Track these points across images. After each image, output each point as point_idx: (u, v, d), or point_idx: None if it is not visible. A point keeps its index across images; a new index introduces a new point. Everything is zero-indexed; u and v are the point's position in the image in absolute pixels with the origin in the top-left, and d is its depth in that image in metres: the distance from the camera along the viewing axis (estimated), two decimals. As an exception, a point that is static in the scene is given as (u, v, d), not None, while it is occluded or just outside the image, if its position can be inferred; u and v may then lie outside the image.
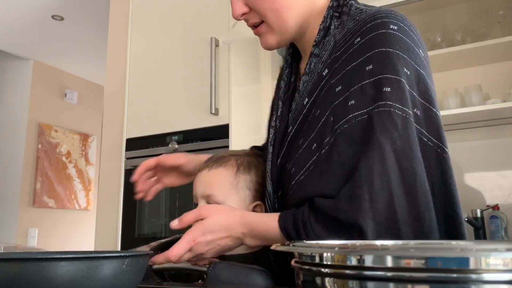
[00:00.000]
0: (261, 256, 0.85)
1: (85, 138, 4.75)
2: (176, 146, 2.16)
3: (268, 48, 0.83)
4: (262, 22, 0.80)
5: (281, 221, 0.70)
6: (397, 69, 0.68)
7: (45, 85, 4.41)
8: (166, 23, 2.38)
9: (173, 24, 2.35)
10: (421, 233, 0.62)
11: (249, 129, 2.24)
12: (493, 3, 2.18)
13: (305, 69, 0.79)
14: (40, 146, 4.26)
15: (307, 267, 0.36)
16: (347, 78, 0.71)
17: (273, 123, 0.89)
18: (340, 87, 0.72)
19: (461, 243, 0.47)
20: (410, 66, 0.69)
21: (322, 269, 0.35)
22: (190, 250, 0.73)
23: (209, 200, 0.89)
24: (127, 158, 2.32)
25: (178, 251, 0.71)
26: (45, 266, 0.44)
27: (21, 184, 4.08)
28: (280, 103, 0.88)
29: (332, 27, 0.79)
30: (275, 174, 0.81)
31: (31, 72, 4.29)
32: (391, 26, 0.70)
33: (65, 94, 4.59)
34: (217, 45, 2.17)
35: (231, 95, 2.11)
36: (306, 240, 0.64)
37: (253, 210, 0.93)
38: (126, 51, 2.48)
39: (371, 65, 0.69)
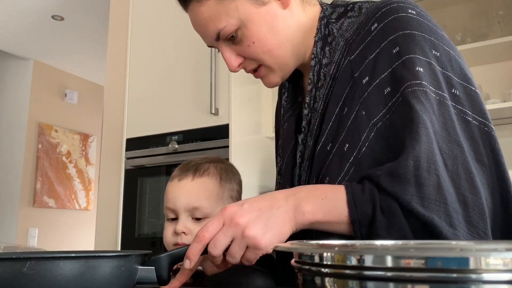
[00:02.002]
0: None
1: (85, 138, 4.75)
2: (176, 146, 2.16)
3: (274, 86, 0.80)
4: (260, 65, 0.77)
5: (346, 185, 0.61)
6: (425, 51, 0.65)
7: (45, 85, 4.41)
8: (166, 23, 2.38)
9: (173, 24, 2.35)
10: (468, 219, 0.57)
11: (249, 129, 2.24)
12: (493, 3, 2.18)
13: (318, 82, 0.76)
14: (40, 146, 4.27)
15: (307, 267, 0.37)
16: (372, 67, 0.68)
17: (279, 152, 0.86)
18: (367, 78, 0.68)
19: (461, 243, 0.47)
20: (438, 47, 0.67)
21: (322, 269, 0.35)
22: (224, 225, 0.58)
23: (195, 213, 0.82)
24: (127, 158, 2.32)
25: (206, 226, 0.58)
26: (45, 265, 0.44)
27: (21, 184, 4.08)
28: (286, 124, 0.85)
29: (335, 30, 0.76)
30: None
31: (31, 72, 4.29)
32: (409, 11, 0.68)
33: (65, 94, 4.60)
34: (217, 45, 2.16)
35: (231, 95, 2.10)
36: (371, 199, 0.58)
37: None
38: (126, 51, 2.48)
39: (397, 47, 0.66)
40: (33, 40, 3.92)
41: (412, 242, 0.48)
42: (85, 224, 4.60)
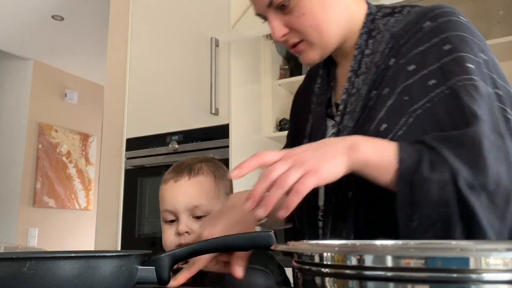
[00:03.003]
0: (258, 257, 0.84)
1: (85, 138, 4.75)
2: (176, 146, 2.16)
3: (311, 64, 0.83)
4: (302, 40, 0.79)
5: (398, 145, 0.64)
6: (475, 52, 0.70)
7: (45, 85, 4.41)
8: (166, 23, 2.38)
9: (173, 24, 2.35)
10: (503, 216, 0.59)
11: (249, 129, 2.24)
12: (493, 3, 2.18)
13: (358, 70, 0.79)
14: (40, 146, 4.26)
15: (307, 267, 0.36)
16: (421, 58, 0.72)
17: (306, 134, 0.87)
18: (413, 66, 0.72)
19: (461, 243, 0.47)
20: (485, 52, 0.72)
21: (322, 269, 0.35)
22: (284, 160, 0.60)
23: (195, 212, 0.83)
24: (127, 158, 2.32)
25: (269, 153, 0.61)
26: (45, 265, 0.44)
27: (21, 184, 4.08)
28: (319, 108, 0.87)
29: (381, 25, 0.80)
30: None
31: (31, 72, 4.28)
32: (461, 17, 0.74)
33: (65, 94, 4.59)
34: (217, 45, 2.17)
35: (231, 95, 2.10)
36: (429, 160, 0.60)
37: None
38: (126, 51, 2.48)
39: (449, 45, 0.70)
40: (33, 40, 3.91)
41: (412, 242, 0.48)
42: (85, 224, 4.60)
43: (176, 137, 2.19)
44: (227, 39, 2.15)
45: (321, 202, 0.79)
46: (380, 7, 0.84)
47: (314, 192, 0.76)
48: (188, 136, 2.17)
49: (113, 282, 0.48)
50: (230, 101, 2.10)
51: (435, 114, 0.67)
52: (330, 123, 0.84)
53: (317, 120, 0.86)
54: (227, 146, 2.04)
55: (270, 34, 2.58)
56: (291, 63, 2.56)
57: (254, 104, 2.31)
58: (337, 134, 0.78)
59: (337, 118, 0.79)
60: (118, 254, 0.51)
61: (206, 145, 2.10)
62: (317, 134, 0.84)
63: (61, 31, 3.75)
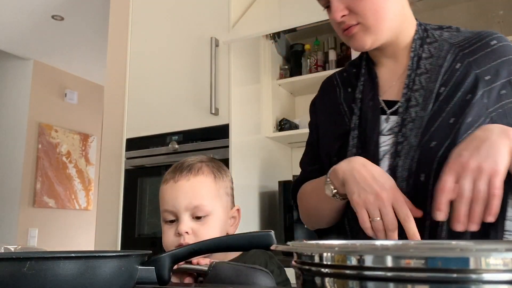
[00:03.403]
0: (258, 257, 0.84)
1: (85, 138, 4.75)
2: (176, 146, 2.16)
3: (361, 48, 0.89)
4: (358, 23, 0.85)
5: None
6: None
7: (45, 85, 4.41)
8: (166, 23, 2.38)
9: (173, 24, 2.35)
10: None
11: (249, 129, 2.24)
12: (493, 3, 2.18)
13: (417, 69, 0.88)
14: (40, 146, 4.26)
15: (307, 267, 0.36)
16: (495, 70, 0.84)
17: (354, 126, 0.90)
18: (489, 76, 0.83)
19: (461, 243, 0.47)
20: None
21: (322, 269, 0.35)
22: (460, 176, 0.66)
23: (196, 212, 0.83)
24: (127, 158, 2.32)
25: (446, 180, 0.66)
26: (45, 265, 0.44)
27: (21, 184, 4.08)
28: (372, 103, 0.91)
29: (436, 35, 0.91)
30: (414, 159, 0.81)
31: (31, 72, 4.28)
32: None
33: (65, 94, 4.59)
34: (217, 45, 2.17)
35: (231, 95, 2.10)
36: None
37: (233, 216, 0.92)
38: (126, 51, 2.48)
39: None
40: (33, 40, 3.91)
41: (412, 242, 0.48)
42: (85, 224, 4.60)
43: (176, 137, 2.19)
44: (227, 39, 2.14)
45: None
46: (427, 24, 0.95)
47: None
48: (188, 136, 2.17)
49: (113, 282, 0.48)
50: (230, 101, 2.10)
51: (506, 118, 0.80)
52: (382, 116, 0.89)
53: (370, 112, 0.90)
54: (227, 146, 2.04)
55: (269, 34, 2.57)
56: (291, 63, 2.56)
57: (254, 104, 2.31)
58: (402, 123, 0.85)
59: (400, 109, 0.87)
60: (118, 254, 0.51)
61: (206, 145, 2.10)
62: (373, 126, 0.87)
63: (61, 31, 3.75)
